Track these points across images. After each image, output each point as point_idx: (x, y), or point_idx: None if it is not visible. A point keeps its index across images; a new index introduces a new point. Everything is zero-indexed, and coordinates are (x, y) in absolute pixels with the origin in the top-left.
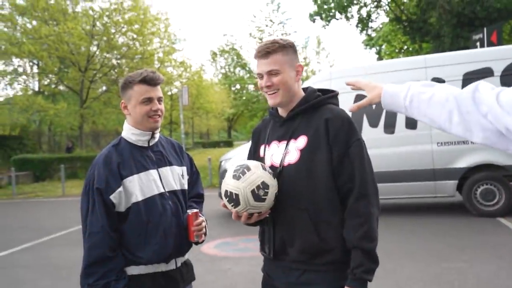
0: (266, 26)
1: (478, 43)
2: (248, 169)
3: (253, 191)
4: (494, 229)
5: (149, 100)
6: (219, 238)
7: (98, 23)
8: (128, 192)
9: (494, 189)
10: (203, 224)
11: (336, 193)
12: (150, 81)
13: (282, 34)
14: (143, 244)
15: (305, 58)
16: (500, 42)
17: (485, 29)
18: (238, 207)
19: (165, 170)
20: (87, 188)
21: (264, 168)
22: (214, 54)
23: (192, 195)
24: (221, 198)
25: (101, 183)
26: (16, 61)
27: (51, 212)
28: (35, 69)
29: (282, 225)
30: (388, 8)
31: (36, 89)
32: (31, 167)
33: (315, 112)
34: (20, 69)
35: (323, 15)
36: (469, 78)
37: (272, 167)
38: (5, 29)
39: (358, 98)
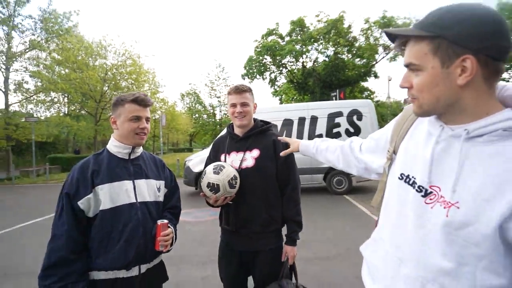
0: (215, 80)
1: (334, 97)
2: (223, 167)
3: (229, 181)
4: (342, 202)
5: (137, 119)
6: (184, 209)
7: (109, 73)
8: (97, 199)
9: (342, 179)
10: (171, 235)
11: (278, 186)
12: (141, 102)
13: (224, 86)
14: (103, 251)
15: None
16: (345, 98)
17: (337, 90)
18: (218, 193)
19: (141, 182)
20: (60, 192)
21: (232, 166)
22: (182, 95)
23: (169, 206)
24: (202, 189)
25: (71, 189)
26: (53, 94)
27: None
28: (65, 100)
29: (243, 208)
30: (286, 75)
31: (66, 112)
32: (60, 163)
33: (262, 134)
34: (55, 99)
35: (249, 76)
36: (330, 116)
37: None
38: (47, 74)
39: (285, 122)
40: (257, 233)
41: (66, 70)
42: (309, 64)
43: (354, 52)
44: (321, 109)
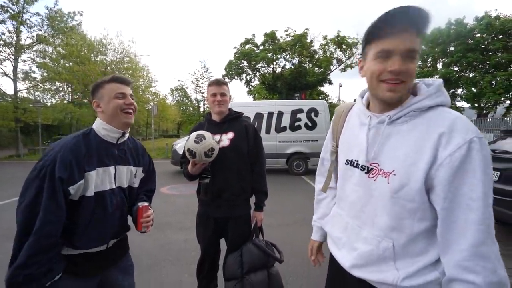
0: (200, 78)
1: (297, 97)
2: (204, 137)
3: (205, 152)
4: (299, 181)
5: (122, 95)
6: (170, 184)
7: (108, 68)
8: (85, 185)
9: (301, 163)
10: (151, 216)
11: (248, 163)
12: (122, 80)
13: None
14: (82, 234)
15: None
16: (305, 98)
17: (300, 92)
18: (195, 159)
19: (121, 168)
20: (43, 172)
21: (213, 138)
22: (172, 90)
23: (145, 189)
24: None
25: (64, 173)
26: (58, 83)
27: None
28: (69, 89)
29: (219, 180)
30: (259, 77)
31: (69, 100)
32: None
33: (235, 120)
34: (60, 88)
35: (229, 76)
36: (294, 112)
37: None
38: (52, 65)
39: (256, 115)
40: (230, 201)
41: (70, 63)
42: (278, 70)
43: (314, 62)
44: (286, 106)
